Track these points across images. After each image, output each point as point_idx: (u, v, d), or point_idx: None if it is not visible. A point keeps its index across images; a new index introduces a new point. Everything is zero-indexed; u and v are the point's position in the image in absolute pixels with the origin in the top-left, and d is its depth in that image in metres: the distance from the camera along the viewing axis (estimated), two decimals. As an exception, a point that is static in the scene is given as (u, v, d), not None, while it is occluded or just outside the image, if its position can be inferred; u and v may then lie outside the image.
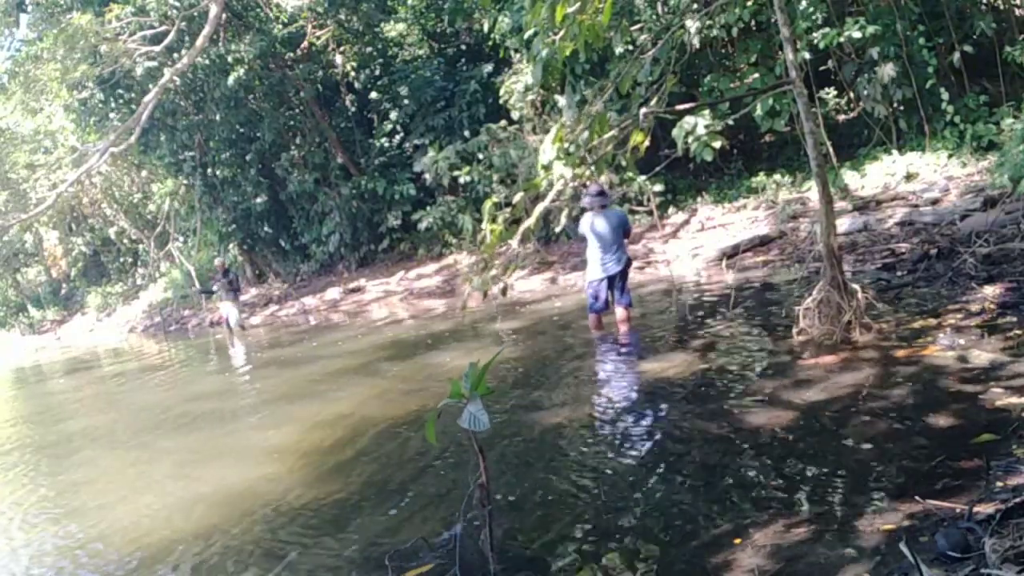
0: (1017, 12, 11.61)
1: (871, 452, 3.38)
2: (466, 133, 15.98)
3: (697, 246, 11.69)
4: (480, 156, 15.18)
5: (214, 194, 20.23)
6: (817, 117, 9.19)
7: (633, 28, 11.71)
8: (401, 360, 8.19)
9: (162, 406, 8.15)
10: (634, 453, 4.03)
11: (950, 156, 10.88)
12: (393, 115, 17.60)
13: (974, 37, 11.11)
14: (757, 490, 3.22)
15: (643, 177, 12.41)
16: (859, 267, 7.76)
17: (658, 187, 13.33)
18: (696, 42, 11.95)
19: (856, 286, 5.15)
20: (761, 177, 12.91)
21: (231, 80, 16.76)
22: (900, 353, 4.67)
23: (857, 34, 10.72)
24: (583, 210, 7.15)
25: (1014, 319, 4.84)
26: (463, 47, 18.22)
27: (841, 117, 13.46)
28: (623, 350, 6.63)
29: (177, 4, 15.98)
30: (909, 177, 10.89)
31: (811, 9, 11.27)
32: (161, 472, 5.38)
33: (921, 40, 10.85)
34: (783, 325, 5.88)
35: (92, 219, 29.58)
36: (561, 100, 13.49)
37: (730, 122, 11.81)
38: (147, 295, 26.55)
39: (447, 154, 15.60)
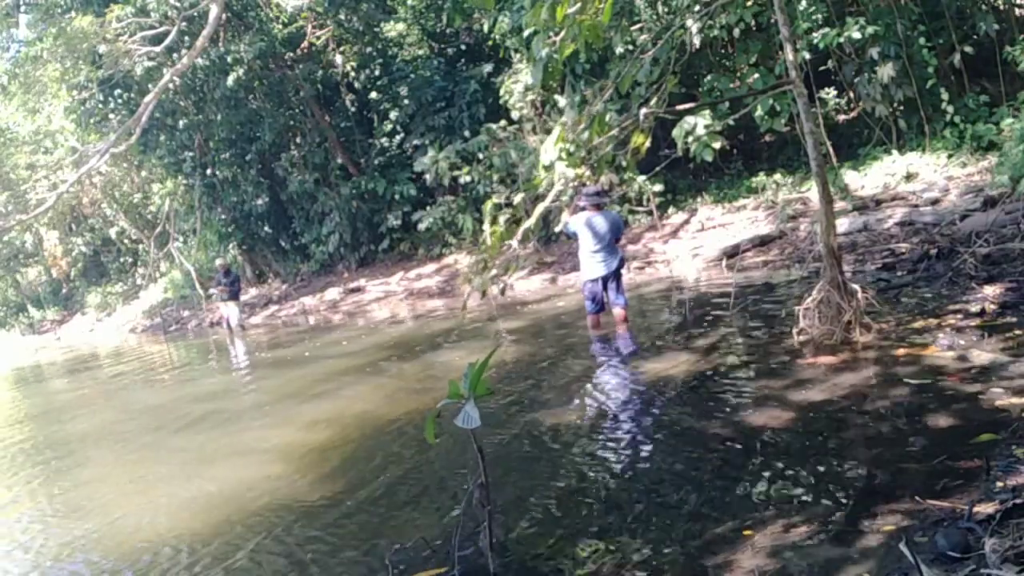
0: (1017, 12, 11.61)
1: (871, 452, 3.38)
2: (466, 133, 15.97)
3: (697, 246, 11.68)
4: (480, 156, 15.18)
5: (214, 194, 20.22)
6: (817, 117, 9.19)
7: (633, 28, 11.74)
8: (402, 360, 8.19)
9: (164, 406, 8.15)
10: (634, 453, 4.03)
11: (950, 156, 10.88)
12: (393, 115, 17.60)
13: (974, 37, 11.11)
14: (757, 490, 3.22)
15: (643, 177, 12.42)
16: (859, 267, 7.76)
17: (658, 187, 13.34)
18: (696, 42, 11.95)
19: (856, 286, 5.14)
20: (761, 177, 12.91)
21: (231, 80, 16.76)
22: (900, 353, 4.67)
23: (857, 34, 10.72)
24: (580, 208, 7.16)
25: (1014, 319, 4.84)
26: (463, 47, 18.22)
27: (841, 117, 13.46)
28: (622, 350, 6.63)
29: (177, 4, 15.97)
30: (909, 177, 10.89)
31: (811, 9, 11.27)
32: (165, 472, 5.38)
33: (921, 40, 10.85)
34: (783, 325, 5.88)
35: (92, 219, 29.56)
36: (561, 100, 13.49)
37: (730, 122, 11.81)
38: (147, 295, 26.54)
39: (447, 154, 15.60)
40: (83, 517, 4.56)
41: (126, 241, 29.15)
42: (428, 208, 16.71)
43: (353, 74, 18.50)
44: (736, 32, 12.01)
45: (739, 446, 3.75)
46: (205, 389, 9.09)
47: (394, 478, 4.24)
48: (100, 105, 18.58)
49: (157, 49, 16.10)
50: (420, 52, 18.13)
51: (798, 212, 11.20)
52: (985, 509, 2.53)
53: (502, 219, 5.78)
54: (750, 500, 3.13)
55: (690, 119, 11.61)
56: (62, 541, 4.21)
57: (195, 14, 16.09)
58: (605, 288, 7.03)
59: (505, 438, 4.57)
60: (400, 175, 17.50)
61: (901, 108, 11.62)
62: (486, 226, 5.80)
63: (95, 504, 4.80)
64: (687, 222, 13.04)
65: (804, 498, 3.06)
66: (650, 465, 3.80)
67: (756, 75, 12.23)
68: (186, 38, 16.49)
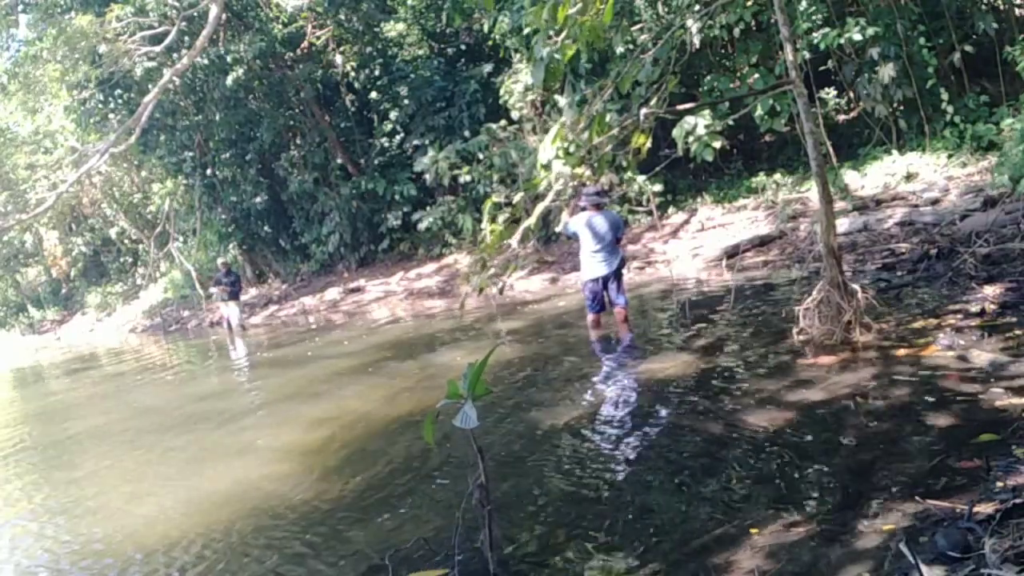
0: (1017, 12, 11.61)
1: (871, 452, 3.38)
2: (466, 133, 15.98)
3: (697, 246, 11.68)
4: (480, 156, 15.18)
5: (214, 194, 20.23)
6: (817, 117, 9.19)
7: (633, 28, 11.72)
8: (402, 360, 8.19)
9: (165, 406, 8.15)
10: (634, 453, 4.03)
11: (950, 156, 10.87)
12: (393, 115, 17.60)
13: (974, 37, 11.11)
14: (757, 490, 3.22)
15: (643, 177, 12.42)
16: (859, 267, 7.76)
17: (658, 187, 13.34)
18: (696, 42, 11.95)
19: (856, 286, 5.14)
20: (761, 177, 12.91)
21: (230, 80, 16.76)
22: (900, 353, 4.67)
23: (857, 35, 10.72)
24: (580, 208, 7.16)
25: (1014, 319, 4.84)
26: (463, 47, 18.22)
27: (841, 117, 13.46)
28: (622, 350, 6.63)
29: (177, 4, 15.98)
30: (909, 177, 10.89)
31: (811, 9, 11.27)
32: (165, 471, 5.38)
33: (921, 40, 10.85)
34: (783, 325, 5.88)
35: (92, 219, 29.57)
36: (561, 100, 13.49)
37: (730, 122, 11.80)
38: (147, 295, 26.55)
39: (447, 154, 15.60)
40: (84, 516, 4.57)
41: (126, 241, 29.16)
42: (428, 208, 16.71)
43: (353, 74, 18.50)
44: (736, 32, 12.01)
45: (739, 446, 3.75)
46: (206, 389, 9.09)
47: (394, 478, 4.24)
48: (100, 105, 18.57)
49: (157, 49, 16.10)
50: (420, 52, 18.13)
51: (798, 212, 11.19)
52: (985, 509, 2.53)
53: (502, 219, 5.77)
54: (750, 500, 3.13)
55: (690, 119, 11.61)
56: (62, 540, 4.21)
57: (195, 14, 16.09)
58: (605, 288, 7.02)
59: (505, 438, 4.56)
60: (400, 175, 17.50)
61: (901, 108, 11.62)
62: (486, 225, 5.79)
63: (96, 503, 4.80)
64: (687, 222, 13.04)
65: (804, 498, 3.05)
66: (650, 465, 3.80)
67: (756, 75, 12.23)
68: (186, 38, 16.49)
